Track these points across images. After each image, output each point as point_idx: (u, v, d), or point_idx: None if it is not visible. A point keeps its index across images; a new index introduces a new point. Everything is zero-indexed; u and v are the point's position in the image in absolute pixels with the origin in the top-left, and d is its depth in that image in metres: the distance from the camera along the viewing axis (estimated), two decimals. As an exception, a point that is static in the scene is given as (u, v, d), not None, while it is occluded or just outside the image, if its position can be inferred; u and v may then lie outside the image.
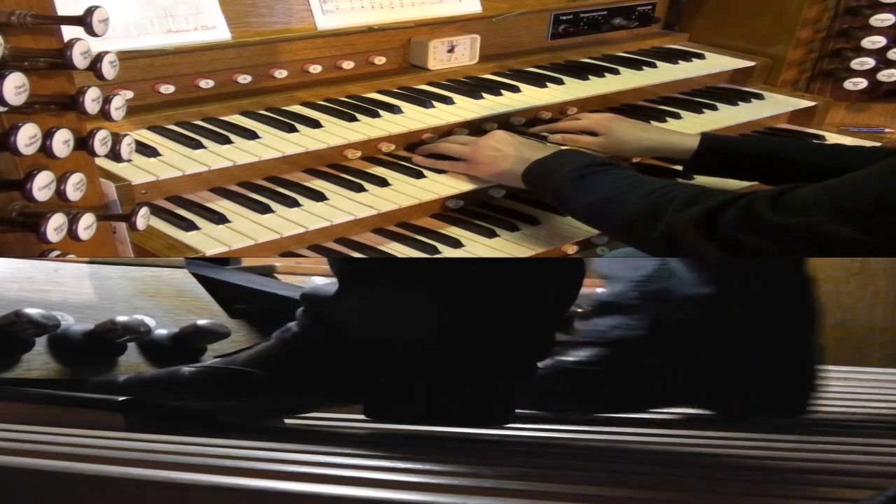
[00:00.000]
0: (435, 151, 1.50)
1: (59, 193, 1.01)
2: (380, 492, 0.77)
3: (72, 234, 1.01)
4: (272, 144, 1.39)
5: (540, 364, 1.22)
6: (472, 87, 1.71)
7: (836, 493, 0.90)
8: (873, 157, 1.46)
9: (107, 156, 1.06)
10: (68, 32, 1.01)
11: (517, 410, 1.10)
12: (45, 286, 1.28)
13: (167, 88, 1.45)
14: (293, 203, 1.32)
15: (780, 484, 0.93)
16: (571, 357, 1.30)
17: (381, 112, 1.55)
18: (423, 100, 1.61)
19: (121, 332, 1.21)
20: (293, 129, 1.44)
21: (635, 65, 1.93)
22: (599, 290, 2.19)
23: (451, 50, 1.74)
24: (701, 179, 1.55)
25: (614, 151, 1.56)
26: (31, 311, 1.16)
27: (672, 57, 2.01)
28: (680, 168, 1.56)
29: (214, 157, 1.34)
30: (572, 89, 1.77)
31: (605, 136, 1.55)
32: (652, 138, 1.56)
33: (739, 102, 1.90)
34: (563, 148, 1.42)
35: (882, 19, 2.10)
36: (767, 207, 1.06)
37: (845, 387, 1.62)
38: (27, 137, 0.96)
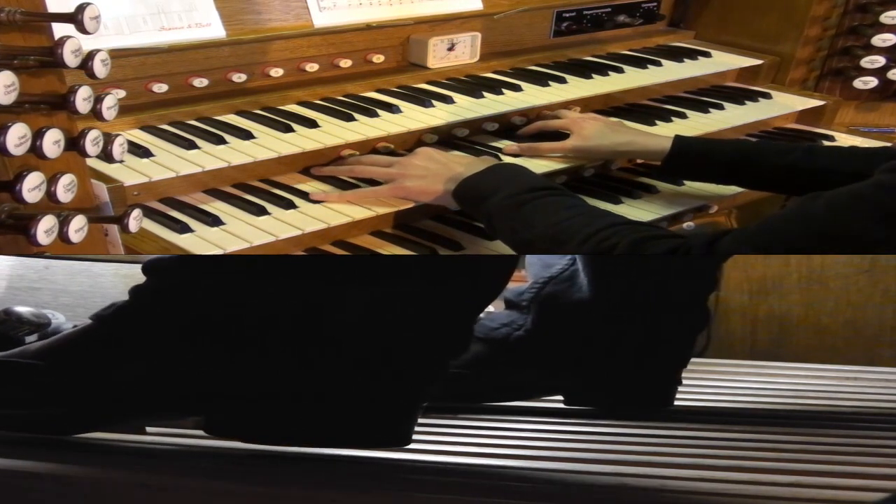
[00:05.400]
0: (351, 175, 1.37)
1: (50, 195, 0.99)
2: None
3: (63, 236, 0.99)
4: (268, 145, 1.37)
5: None
6: (473, 85, 1.69)
7: (845, 494, 0.90)
8: (848, 158, 1.44)
9: (98, 156, 1.04)
10: (59, 30, 0.99)
11: None
12: (35, 284, 1.27)
13: (160, 87, 1.42)
14: (289, 205, 1.30)
15: (787, 485, 0.92)
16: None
17: (380, 111, 1.52)
18: (423, 99, 1.60)
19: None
20: (289, 129, 1.42)
21: (640, 63, 1.91)
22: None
23: (451, 48, 1.72)
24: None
25: (585, 153, 1.52)
26: (22, 309, 1.15)
27: (677, 55, 1.99)
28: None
29: (208, 157, 1.32)
30: (575, 88, 1.74)
31: (575, 136, 1.51)
32: (622, 140, 1.52)
33: (747, 102, 1.88)
34: (495, 163, 1.31)
35: (893, 16, 2.07)
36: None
37: (855, 386, 1.62)
38: (17, 137, 0.95)
